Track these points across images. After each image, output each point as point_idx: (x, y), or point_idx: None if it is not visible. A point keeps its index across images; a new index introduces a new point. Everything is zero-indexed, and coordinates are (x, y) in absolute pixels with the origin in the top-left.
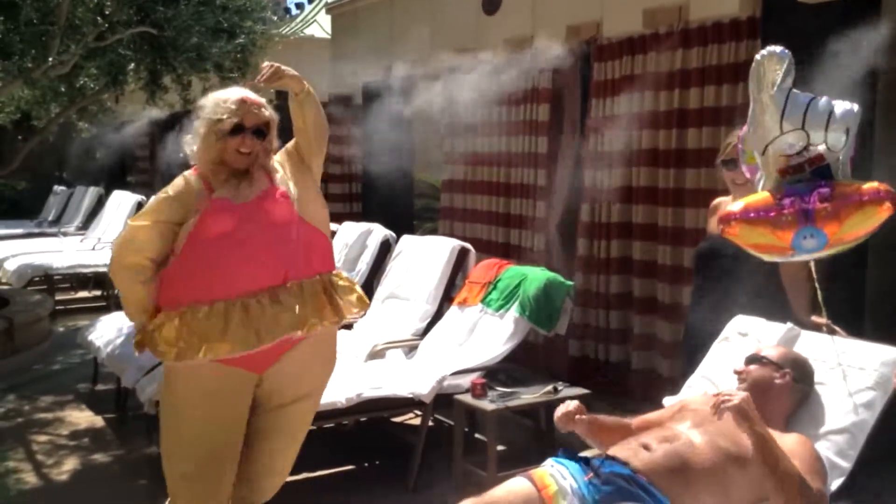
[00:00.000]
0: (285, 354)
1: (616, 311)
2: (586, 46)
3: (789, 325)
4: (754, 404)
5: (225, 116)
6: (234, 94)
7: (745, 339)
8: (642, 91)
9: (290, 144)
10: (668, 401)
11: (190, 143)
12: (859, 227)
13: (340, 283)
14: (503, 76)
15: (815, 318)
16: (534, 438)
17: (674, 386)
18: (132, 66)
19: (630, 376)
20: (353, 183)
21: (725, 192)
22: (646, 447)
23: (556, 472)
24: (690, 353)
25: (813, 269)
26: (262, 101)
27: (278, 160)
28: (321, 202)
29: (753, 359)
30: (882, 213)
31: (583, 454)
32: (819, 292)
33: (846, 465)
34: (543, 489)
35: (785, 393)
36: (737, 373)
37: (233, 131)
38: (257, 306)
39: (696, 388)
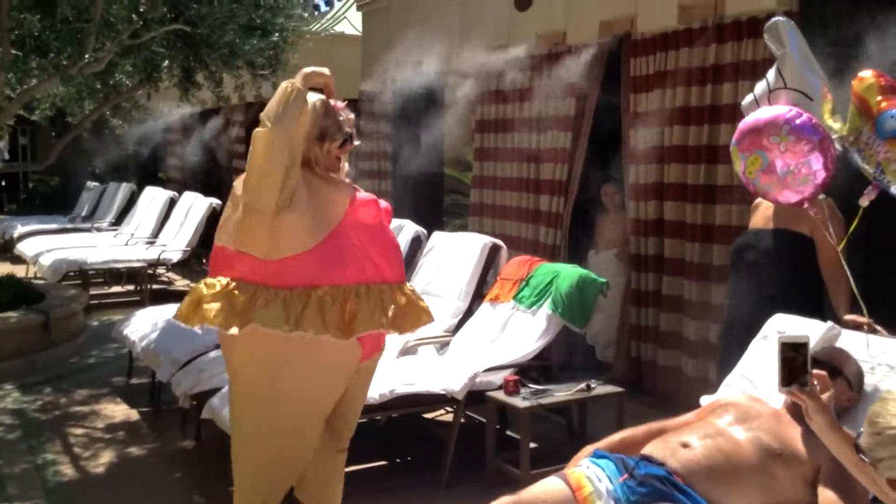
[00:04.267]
0: (371, 359)
1: (644, 308)
2: (619, 42)
3: (829, 324)
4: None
5: (334, 129)
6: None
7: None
8: (675, 87)
9: None
10: (705, 400)
11: None
12: None
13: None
14: (534, 72)
15: (855, 317)
16: (566, 436)
17: (702, 384)
18: (166, 63)
19: (656, 374)
20: (383, 180)
21: None
22: (685, 445)
23: (592, 474)
24: (726, 350)
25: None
26: (342, 103)
27: None
28: None
29: (836, 372)
30: None
31: (619, 454)
32: (855, 289)
33: None
34: (578, 490)
35: (842, 408)
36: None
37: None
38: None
39: (734, 388)
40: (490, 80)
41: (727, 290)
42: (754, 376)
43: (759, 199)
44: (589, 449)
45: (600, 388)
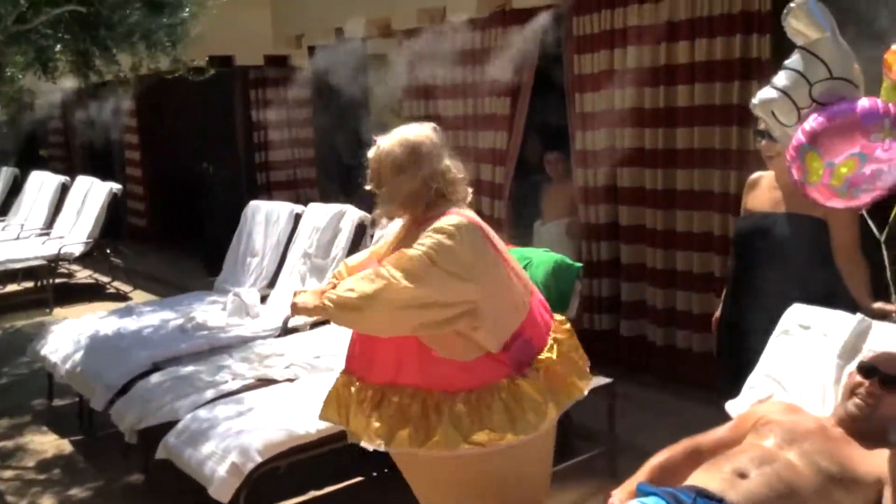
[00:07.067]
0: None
1: (604, 279)
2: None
3: (860, 316)
4: (866, 426)
5: None
6: None
7: (809, 332)
8: (625, 46)
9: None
10: (731, 406)
11: None
12: None
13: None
14: (472, 35)
15: (882, 305)
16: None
17: (670, 353)
18: (58, 47)
19: (619, 344)
20: (301, 148)
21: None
22: (741, 474)
23: None
24: (732, 346)
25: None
26: (377, 139)
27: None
28: None
29: (893, 382)
30: None
31: (668, 488)
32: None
33: None
34: None
35: None
36: (869, 394)
37: None
38: None
39: (759, 389)
40: (422, 44)
41: (729, 272)
42: (781, 376)
43: (757, 175)
44: (630, 484)
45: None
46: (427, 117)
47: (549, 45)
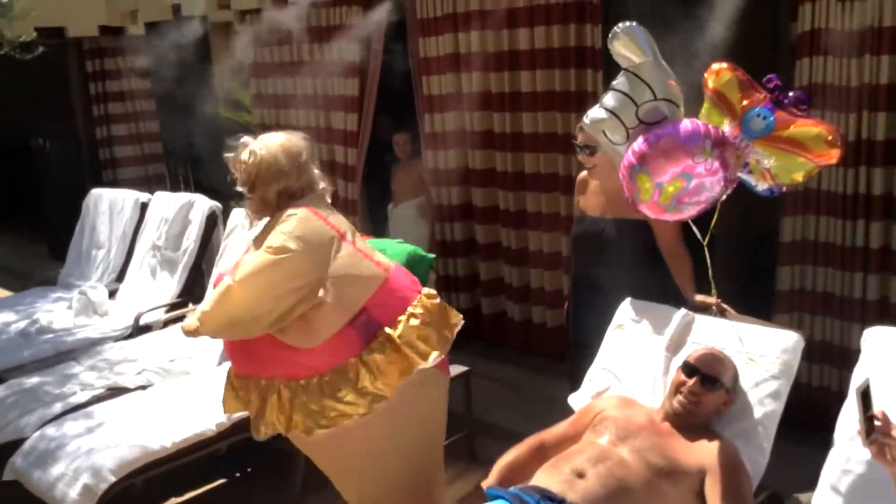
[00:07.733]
0: None
1: (461, 258)
2: None
3: (683, 311)
4: (689, 420)
5: None
6: None
7: (640, 325)
8: (468, 31)
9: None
10: (573, 400)
11: None
12: (804, 142)
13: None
14: (316, 12)
15: (704, 298)
16: None
17: (527, 327)
18: None
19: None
20: (147, 122)
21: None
22: (579, 474)
23: None
24: (577, 342)
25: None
26: (241, 151)
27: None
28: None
29: (711, 381)
30: (824, 152)
31: (514, 489)
32: (710, 269)
33: (763, 460)
34: None
35: (718, 413)
36: (691, 392)
37: None
38: None
39: (597, 382)
40: (265, 18)
41: (572, 270)
42: (617, 369)
43: (583, 175)
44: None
45: None
46: (275, 97)
47: (396, 27)
